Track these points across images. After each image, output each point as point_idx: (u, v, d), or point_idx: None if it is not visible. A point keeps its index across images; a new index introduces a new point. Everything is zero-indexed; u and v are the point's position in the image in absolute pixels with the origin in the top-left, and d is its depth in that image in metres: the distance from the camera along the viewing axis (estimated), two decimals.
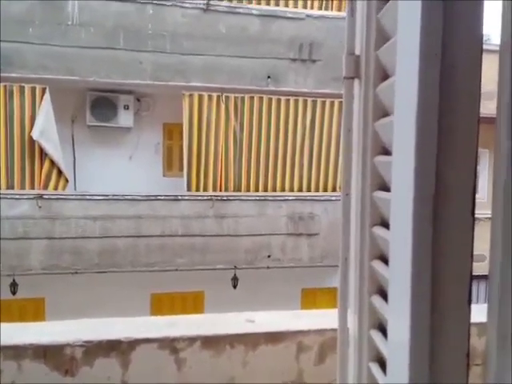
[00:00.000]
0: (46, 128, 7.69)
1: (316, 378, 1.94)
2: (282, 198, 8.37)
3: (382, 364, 1.03)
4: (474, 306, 0.80)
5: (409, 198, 0.75)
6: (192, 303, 8.63)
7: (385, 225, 1.03)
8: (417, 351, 0.74)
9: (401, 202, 0.81)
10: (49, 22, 7.53)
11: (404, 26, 0.83)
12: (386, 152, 1.04)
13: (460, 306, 0.75)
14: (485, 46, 0.81)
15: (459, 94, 0.75)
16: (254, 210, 8.22)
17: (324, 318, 2.08)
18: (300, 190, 8.66)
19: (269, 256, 8.24)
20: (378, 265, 1.05)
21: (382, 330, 1.04)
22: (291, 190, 8.62)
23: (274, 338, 1.92)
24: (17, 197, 7.58)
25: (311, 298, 8.97)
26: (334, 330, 1.85)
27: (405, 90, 0.80)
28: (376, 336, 1.03)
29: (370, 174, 1.08)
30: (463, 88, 0.75)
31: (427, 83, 0.73)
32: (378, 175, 1.06)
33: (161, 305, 8.50)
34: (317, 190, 8.70)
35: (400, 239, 0.80)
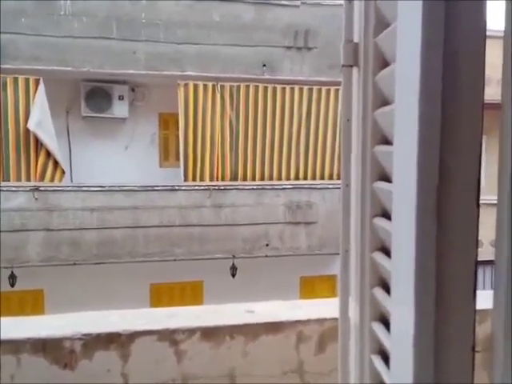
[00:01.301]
0: (41, 119, 7.64)
1: (316, 368, 1.94)
2: (279, 187, 8.36)
3: (384, 355, 1.02)
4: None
5: (412, 188, 0.74)
6: (191, 293, 8.65)
7: (386, 216, 1.01)
8: (421, 345, 0.73)
9: (403, 193, 0.79)
10: (41, 12, 7.46)
11: (405, 11, 0.80)
12: (387, 141, 1.02)
13: (465, 298, 0.74)
14: None
15: (463, 81, 0.73)
16: (252, 199, 8.21)
17: (323, 307, 2.08)
18: (297, 178, 8.65)
19: (267, 245, 8.25)
20: (379, 256, 1.03)
21: (384, 321, 1.03)
22: (288, 178, 8.61)
23: (273, 328, 1.91)
24: (13, 189, 7.55)
25: (310, 286, 9.00)
26: (333, 319, 1.84)
27: (406, 77, 0.78)
28: (378, 328, 1.02)
29: (370, 164, 1.06)
30: (467, 75, 0.73)
31: (430, 70, 0.71)
32: (379, 165, 1.04)
33: (160, 295, 8.52)
34: (313, 178, 8.70)
35: (403, 231, 0.79)
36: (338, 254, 1.27)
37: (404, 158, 0.80)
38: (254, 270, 8.37)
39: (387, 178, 1.00)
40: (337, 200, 8.06)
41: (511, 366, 0.76)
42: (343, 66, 1.15)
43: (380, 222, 1.03)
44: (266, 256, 8.27)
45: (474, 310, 0.75)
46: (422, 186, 0.73)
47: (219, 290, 7.82)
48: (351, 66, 1.15)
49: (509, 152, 0.76)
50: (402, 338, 0.78)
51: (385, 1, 1.00)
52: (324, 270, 8.81)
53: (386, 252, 1.00)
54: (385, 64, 1.01)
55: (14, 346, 1.73)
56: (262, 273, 8.43)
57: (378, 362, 1.00)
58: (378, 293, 1.03)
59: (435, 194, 0.73)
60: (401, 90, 0.83)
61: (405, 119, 0.80)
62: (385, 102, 1.02)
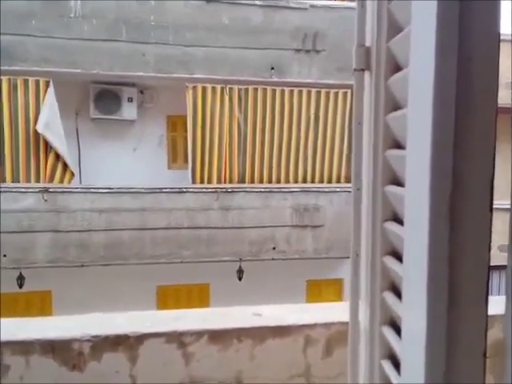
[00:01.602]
0: (50, 121, 7.68)
1: (323, 372, 1.94)
2: (286, 190, 8.35)
3: (394, 360, 1.02)
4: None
5: (424, 193, 0.73)
6: (198, 295, 8.65)
7: (397, 220, 1.01)
8: (433, 350, 0.72)
9: (416, 198, 0.79)
10: (51, 14, 7.50)
11: (418, 15, 0.80)
12: (398, 146, 1.01)
13: (477, 303, 0.73)
14: None
15: (476, 85, 0.73)
16: (259, 201, 8.21)
17: (331, 311, 2.08)
18: (304, 181, 8.63)
19: (274, 248, 8.23)
20: (390, 261, 1.03)
21: (394, 326, 1.03)
22: (295, 181, 8.59)
23: (281, 331, 1.91)
24: (22, 190, 7.59)
25: (316, 290, 8.97)
26: (341, 323, 1.84)
27: (420, 81, 0.78)
28: (388, 333, 1.02)
29: (382, 168, 1.06)
30: (480, 79, 0.73)
31: (444, 75, 0.71)
32: (390, 169, 1.03)
33: (167, 297, 8.52)
34: (321, 181, 8.68)
35: (415, 236, 0.79)
36: (346, 257, 1.26)
37: (417, 162, 0.80)
38: (260, 273, 8.35)
39: (398, 182, 1.00)
40: (344, 203, 8.04)
41: None
42: (355, 70, 1.15)
43: (391, 226, 1.02)
44: (273, 259, 8.26)
45: (486, 314, 0.74)
46: (435, 190, 0.73)
47: (226, 292, 7.81)
48: (363, 70, 1.15)
49: None
50: (413, 343, 0.78)
51: (398, 5, 1.00)
52: (331, 274, 8.79)
53: (397, 256, 1.00)
54: (397, 68, 1.01)
55: (23, 347, 1.74)
56: (268, 276, 8.42)
57: (387, 367, 0.99)
58: (389, 297, 1.03)
59: (448, 199, 0.73)
60: (414, 94, 0.83)
61: (418, 123, 0.79)
62: (397, 107, 1.02)
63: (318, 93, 8.50)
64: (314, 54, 8.33)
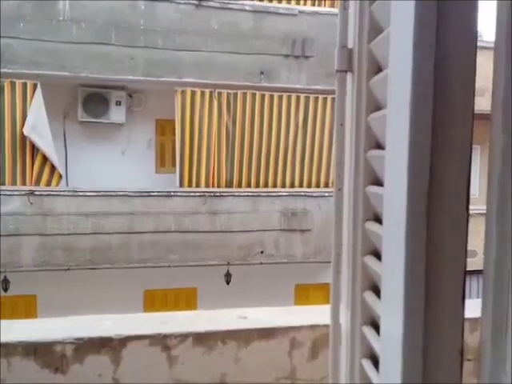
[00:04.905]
0: (37, 124, 7.63)
1: (309, 374, 1.94)
2: (275, 194, 8.37)
3: (375, 360, 1.02)
4: (465, 302, 0.78)
5: (402, 192, 0.74)
6: (185, 299, 8.62)
7: (378, 220, 1.01)
8: (410, 348, 0.73)
9: (394, 197, 0.79)
10: (40, 17, 7.47)
11: (397, 16, 0.81)
12: (379, 146, 1.02)
13: (454, 302, 0.74)
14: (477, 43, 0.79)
15: (454, 86, 0.74)
16: (247, 206, 8.21)
17: (317, 314, 2.08)
18: (292, 185, 8.65)
19: (262, 252, 8.23)
20: (370, 260, 1.03)
21: (375, 326, 1.03)
22: (283, 185, 8.61)
23: (266, 334, 1.91)
24: (8, 193, 7.52)
25: (304, 294, 8.98)
26: (326, 325, 1.84)
27: (398, 82, 0.78)
28: (368, 332, 1.02)
29: (363, 169, 1.07)
30: (458, 80, 0.74)
31: (421, 75, 0.72)
32: (371, 170, 1.04)
33: (154, 301, 8.48)
34: (309, 185, 8.71)
35: (393, 234, 0.79)
36: None
37: (395, 162, 0.81)
38: (248, 277, 8.34)
39: (379, 183, 1.00)
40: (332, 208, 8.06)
41: (498, 372, 0.76)
42: (337, 71, 1.16)
43: (372, 225, 1.03)
44: (261, 263, 8.25)
45: (462, 313, 0.75)
46: (413, 190, 0.74)
47: (213, 296, 7.79)
48: (345, 72, 1.16)
49: (498, 159, 0.76)
50: (391, 340, 0.78)
51: (379, 6, 1.01)
52: (319, 278, 8.79)
53: (378, 256, 1.00)
54: (379, 69, 1.02)
55: (5, 350, 1.72)
56: (256, 280, 8.41)
57: (367, 366, 1.00)
58: (369, 296, 1.03)
59: (425, 198, 0.73)
60: (393, 95, 0.84)
61: (396, 124, 0.80)
62: (378, 107, 1.02)
63: (307, 98, 8.54)
64: (303, 59, 8.37)
